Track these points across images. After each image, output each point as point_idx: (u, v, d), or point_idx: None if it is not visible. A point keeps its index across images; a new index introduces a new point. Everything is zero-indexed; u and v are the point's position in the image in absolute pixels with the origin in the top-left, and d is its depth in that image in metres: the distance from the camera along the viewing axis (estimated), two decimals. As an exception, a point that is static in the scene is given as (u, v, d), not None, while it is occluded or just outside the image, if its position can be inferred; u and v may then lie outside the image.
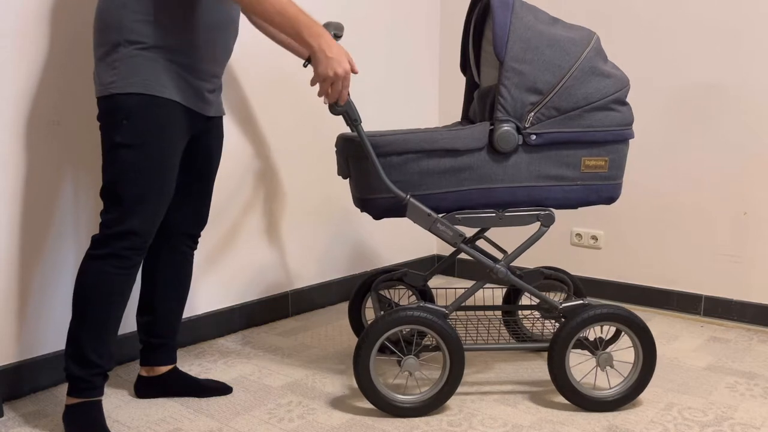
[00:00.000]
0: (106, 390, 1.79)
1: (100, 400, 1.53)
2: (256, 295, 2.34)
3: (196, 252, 2.12)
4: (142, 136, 1.43)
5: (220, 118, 1.69)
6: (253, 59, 2.24)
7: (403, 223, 2.89)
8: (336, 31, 1.47)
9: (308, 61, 1.60)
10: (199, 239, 1.75)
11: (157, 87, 1.42)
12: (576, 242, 2.68)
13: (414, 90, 2.90)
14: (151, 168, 1.45)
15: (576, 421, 1.59)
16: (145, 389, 1.73)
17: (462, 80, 2.94)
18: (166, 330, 1.71)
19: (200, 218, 1.71)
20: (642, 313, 2.47)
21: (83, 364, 1.48)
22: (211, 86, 1.56)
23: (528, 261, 2.76)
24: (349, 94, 1.49)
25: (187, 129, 1.52)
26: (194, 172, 1.65)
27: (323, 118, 2.49)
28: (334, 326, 2.35)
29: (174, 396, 1.74)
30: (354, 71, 1.44)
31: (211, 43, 1.50)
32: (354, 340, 2.20)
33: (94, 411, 1.51)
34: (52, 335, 1.81)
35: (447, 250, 3.10)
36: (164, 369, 1.74)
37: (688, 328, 2.31)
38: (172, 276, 1.69)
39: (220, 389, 1.76)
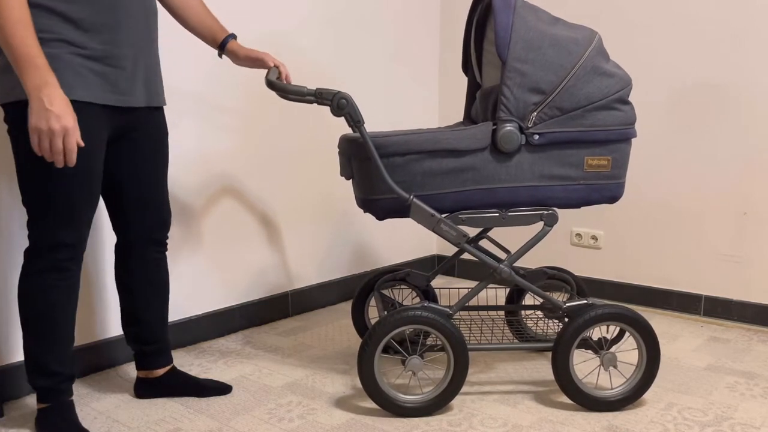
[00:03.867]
0: (106, 390, 1.78)
1: (71, 401, 1.51)
2: (256, 295, 2.33)
3: (196, 252, 2.12)
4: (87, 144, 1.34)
5: (158, 109, 1.55)
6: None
7: (403, 223, 2.89)
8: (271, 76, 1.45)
9: (221, 51, 1.62)
10: (168, 240, 1.65)
11: (63, 88, 1.28)
12: (576, 242, 2.68)
13: (414, 90, 2.90)
14: (70, 174, 1.34)
15: (576, 421, 1.59)
16: (144, 391, 1.73)
17: (462, 80, 2.94)
18: (156, 335, 1.67)
19: (161, 221, 1.60)
20: (642, 313, 2.47)
21: (46, 375, 1.46)
22: (128, 73, 1.40)
23: (528, 261, 2.76)
24: (350, 101, 1.49)
25: (105, 126, 1.40)
26: (138, 173, 1.53)
27: (324, 118, 2.49)
28: (334, 326, 2.34)
29: (174, 396, 1.73)
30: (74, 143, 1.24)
31: (116, 24, 1.35)
32: (354, 339, 2.20)
33: (66, 411, 1.49)
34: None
35: (447, 250, 3.10)
36: (162, 371, 1.72)
37: (688, 328, 2.31)
38: (147, 284, 1.62)
39: (219, 389, 1.75)
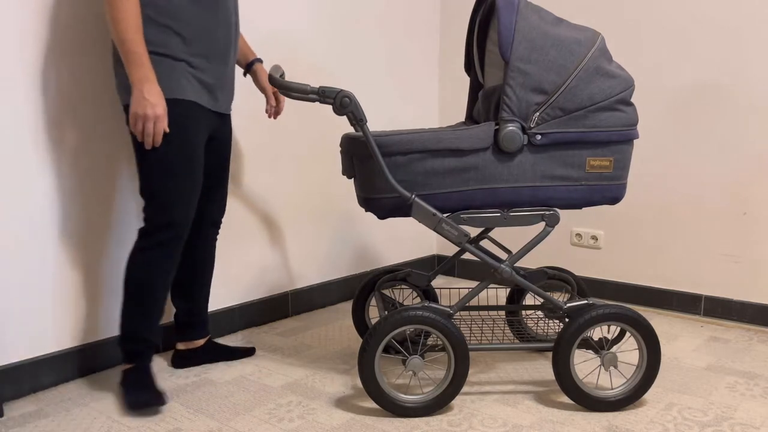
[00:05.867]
0: (107, 390, 1.79)
1: (151, 366, 1.71)
2: (256, 295, 2.33)
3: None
4: (166, 136, 1.57)
5: (228, 116, 1.83)
6: (254, 57, 2.23)
7: (403, 223, 2.88)
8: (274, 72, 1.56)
9: (246, 71, 1.89)
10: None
11: (177, 90, 1.58)
12: (576, 242, 2.68)
13: (414, 90, 2.90)
14: (179, 163, 1.60)
15: (576, 421, 1.59)
16: (183, 361, 1.93)
17: (462, 80, 2.94)
18: (201, 309, 1.92)
19: (222, 206, 1.89)
20: (642, 313, 2.47)
21: (136, 341, 1.67)
22: (219, 84, 1.69)
23: (528, 261, 2.76)
24: (353, 99, 1.50)
25: (205, 125, 1.67)
26: (214, 165, 1.82)
27: (325, 117, 2.49)
28: (334, 326, 2.34)
29: (209, 363, 1.95)
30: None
31: (213, 43, 1.64)
32: (354, 339, 2.20)
33: (147, 372, 1.69)
34: (52, 335, 1.80)
35: (447, 250, 3.10)
36: (202, 341, 1.94)
37: (688, 328, 2.31)
38: (205, 260, 1.89)
39: (247, 351, 2.00)
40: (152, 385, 1.66)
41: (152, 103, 1.49)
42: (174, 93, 1.57)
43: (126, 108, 1.61)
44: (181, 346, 1.93)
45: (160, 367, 1.95)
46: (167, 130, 1.52)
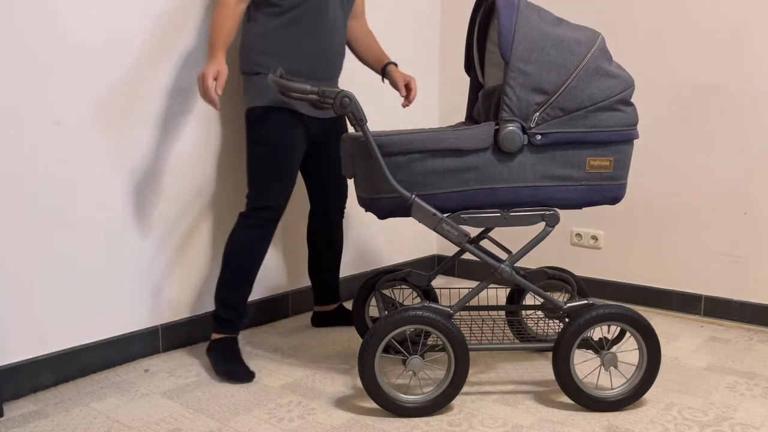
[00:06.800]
0: (107, 390, 1.79)
1: (237, 337, 1.96)
2: (256, 295, 2.33)
3: (197, 252, 2.13)
4: (264, 136, 1.89)
5: (339, 118, 2.09)
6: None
7: (403, 223, 2.88)
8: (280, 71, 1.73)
9: (383, 76, 2.10)
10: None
11: (272, 99, 1.86)
12: (576, 242, 2.68)
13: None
14: (273, 159, 1.89)
15: (576, 421, 1.59)
16: (321, 321, 2.31)
17: (463, 80, 2.94)
18: (335, 279, 2.29)
19: (343, 193, 2.20)
20: (642, 313, 2.47)
21: (229, 308, 1.93)
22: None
23: (528, 261, 2.76)
24: (353, 99, 1.53)
25: (304, 129, 1.94)
26: (327, 162, 2.11)
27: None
28: (334, 326, 2.34)
29: (340, 325, 2.31)
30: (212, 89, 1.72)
31: (315, 61, 1.92)
32: (354, 339, 2.20)
33: (234, 344, 1.93)
34: (52, 335, 1.80)
35: (447, 250, 3.10)
36: (333, 306, 2.32)
37: (688, 328, 2.31)
38: (338, 239, 2.24)
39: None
40: (239, 358, 1.88)
41: (208, 67, 1.71)
42: (269, 101, 1.86)
43: (247, 111, 1.92)
44: (318, 308, 2.31)
45: (159, 367, 1.95)
46: (219, 91, 1.72)
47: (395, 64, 2.11)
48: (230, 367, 1.85)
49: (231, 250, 1.92)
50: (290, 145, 1.92)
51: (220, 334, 1.94)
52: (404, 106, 2.10)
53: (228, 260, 1.92)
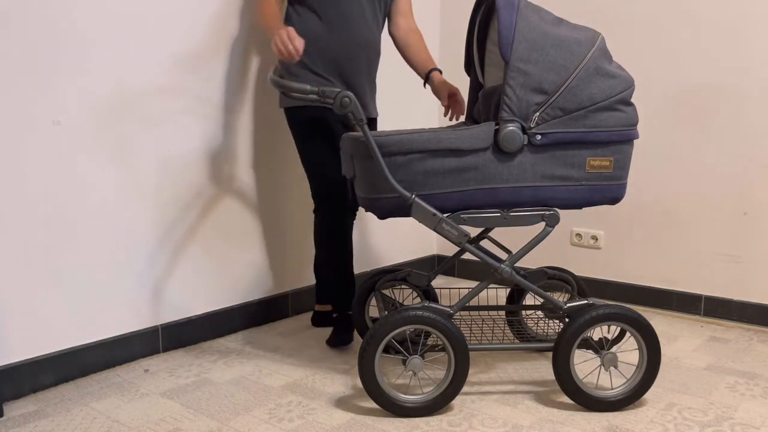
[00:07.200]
0: (107, 390, 1.79)
1: (331, 310, 2.21)
2: (256, 295, 2.33)
3: (197, 252, 2.13)
4: (302, 137, 1.99)
5: (373, 119, 2.12)
6: (258, 63, 2.23)
7: (404, 223, 2.88)
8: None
9: (425, 81, 2.06)
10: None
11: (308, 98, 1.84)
12: (576, 242, 2.68)
13: (414, 90, 2.89)
14: (316, 155, 1.98)
15: (576, 421, 1.59)
16: (320, 321, 2.31)
17: (462, 80, 2.93)
18: (350, 278, 2.19)
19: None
20: (642, 313, 2.47)
21: (319, 281, 2.22)
22: (356, 92, 1.99)
23: (528, 261, 2.76)
24: (353, 99, 1.53)
25: (339, 127, 1.96)
26: None
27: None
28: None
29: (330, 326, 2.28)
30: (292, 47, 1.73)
31: (349, 61, 1.95)
32: (355, 339, 2.19)
33: (324, 315, 2.26)
34: (52, 335, 1.80)
35: (447, 250, 3.10)
36: (329, 307, 2.31)
37: (688, 328, 2.31)
38: (350, 238, 2.19)
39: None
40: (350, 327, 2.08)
41: (280, 32, 1.73)
42: (306, 101, 1.83)
43: (285, 110, 2.00)
44: (318, 308, 2.32)
45: (159, 367, 1.95)
46: (299, 45, 1.73)
47: (440, 71, 2.06)
48: (335, 338, 2.09)
49: (316, 236, 2.16)
50: (328, 139, 1.98)
51: (319, 307, 2.30)
52: (447, 117, 2.05)
53: (316, 245, 2.18)
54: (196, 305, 2.15)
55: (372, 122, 2.14)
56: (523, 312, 2.12)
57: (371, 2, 1.98)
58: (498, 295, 2.62)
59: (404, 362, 1.63)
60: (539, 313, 2.14)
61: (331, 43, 1.93)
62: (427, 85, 2.08)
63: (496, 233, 2.77)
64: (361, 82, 2.02)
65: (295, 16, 1.96)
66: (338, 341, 2.07)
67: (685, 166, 2.40)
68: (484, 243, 1.98)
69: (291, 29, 1.73)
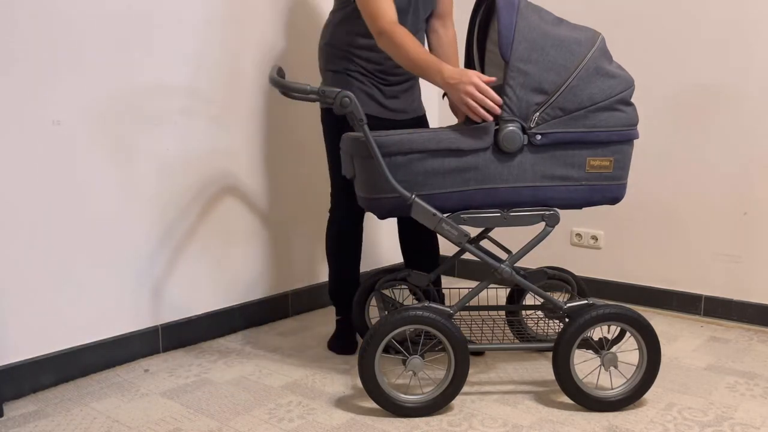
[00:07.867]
0: (107, 390, 1.79)
1: (344, 318, 2.13)
2: (256, 295, 2.33)
3: (196, 252, 2.13)
4: (330, 135, 1.98)
5: (413, 118, 2.07)
6: (259, 64, 2.23)
7: (403, 222, 2.88)
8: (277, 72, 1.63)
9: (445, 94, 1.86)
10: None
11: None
12: (576, 242, 2.68)
13: (414, 89, 2.89)
14: (332, 161, 1.99)
15: (576, 421, 1.59)
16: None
17: (462, 80, 2.93)
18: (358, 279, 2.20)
19: None
20: (642, 313, 2.47)
21: (332, 291, 2.13)
22: (387, 96, 1.97)
23: (528, 261, 2.76)
24: (353, 99, 1.52)
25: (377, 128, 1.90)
26: None
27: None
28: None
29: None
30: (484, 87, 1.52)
31: (376, 56, 1.90)
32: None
33: (342, 325, 2.14)
34: (52, 335, 1.80)
35: (447, 250, 3.10)
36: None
37: (688, 328, 2.31)
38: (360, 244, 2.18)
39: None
40: (344, 335, 2.08)
41: (458, 81, 1.54)
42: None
43: (323, 111, 1.98)
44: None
45: (159, 367, 1.95)
46: (496, 97, 1.52)
47: None
48: (334, 344, 2.10)
49: (326, 246, 2.15)
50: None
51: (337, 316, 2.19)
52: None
53: (329, 255, 2.14)
54: (196, 305, 2.15)
55: (422, 119, 2.12)
56: (523, 312, 2.12)
57: (416, 12, 1.91)
58: (498, 295, 2.62)
59: (404, 362, 1.63)
60: (539, 313, 2.14)
61: (376, 47, 1.87)
62: (445, 97, 2.03)
63: (496, 233, 2.77)
64: (412, 84, 2.05)
65: (334, 18, 1.95)
66: (339, 347, 2.08)
67: (685, 166, 2.40)
68: (484, 243, 1.98)
69: (478, 76, 1.52)
